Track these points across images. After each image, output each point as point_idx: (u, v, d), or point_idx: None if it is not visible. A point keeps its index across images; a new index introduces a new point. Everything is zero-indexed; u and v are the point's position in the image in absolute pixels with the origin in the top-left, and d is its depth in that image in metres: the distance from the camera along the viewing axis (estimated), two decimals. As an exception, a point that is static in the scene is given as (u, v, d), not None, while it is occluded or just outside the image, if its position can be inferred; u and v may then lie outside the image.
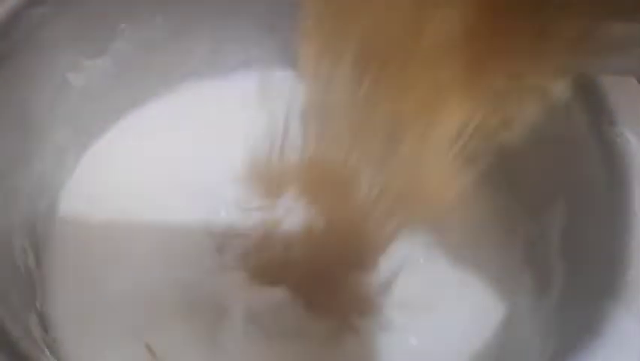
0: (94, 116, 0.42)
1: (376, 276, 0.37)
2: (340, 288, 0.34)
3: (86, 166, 0.41)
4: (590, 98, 0.33)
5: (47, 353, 0.32)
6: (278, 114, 0.44)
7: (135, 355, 0.35)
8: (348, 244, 0.33)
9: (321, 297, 0.33)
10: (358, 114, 0.25)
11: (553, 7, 0.18)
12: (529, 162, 0.38)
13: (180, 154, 0.42)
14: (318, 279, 0.32)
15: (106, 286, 0.37)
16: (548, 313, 0.34)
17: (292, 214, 0.37)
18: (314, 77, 0.25)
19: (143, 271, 0.37)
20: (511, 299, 0.37)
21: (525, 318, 0.36)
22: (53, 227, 0.39)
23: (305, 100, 0.30)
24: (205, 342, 0.35)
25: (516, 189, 0.40)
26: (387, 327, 0.35)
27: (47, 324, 0.35)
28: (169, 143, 0.42)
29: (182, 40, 0.43)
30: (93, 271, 0.37)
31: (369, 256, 0.35)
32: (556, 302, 0.33)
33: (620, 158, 0.31)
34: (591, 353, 0.26)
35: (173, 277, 0.37)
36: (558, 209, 0.35)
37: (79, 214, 0.39)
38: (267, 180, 0.37)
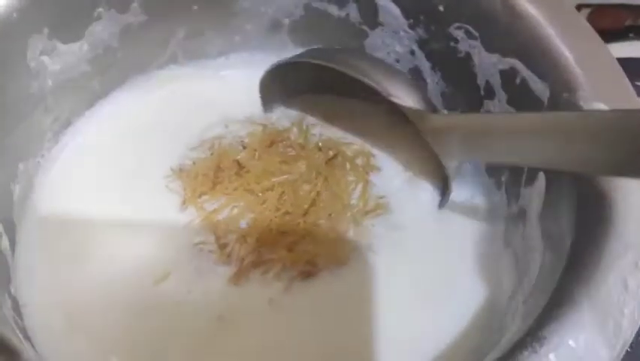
0: (69, 101, 0.41)
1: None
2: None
3: (60, 152, 0.41)
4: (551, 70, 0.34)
5: (19, 335, 0.31)
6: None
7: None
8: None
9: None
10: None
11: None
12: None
13: (157, 143, 0.41)
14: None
15: (80, 274, 0.36)
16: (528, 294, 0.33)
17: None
18: None
19: (116, 259, 0.37)
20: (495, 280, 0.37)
21: (507, 299, 0.36)
22: (28, 212, 0.38)
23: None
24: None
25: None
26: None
27: (20, 309, 0.34)
28: (145, 130, 0.42)
29: (160, 26, 0.42)
30: (68, 256, 0.37)
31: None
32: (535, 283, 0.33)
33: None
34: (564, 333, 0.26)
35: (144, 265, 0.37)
36: (538, 186, 0.35)
37: (54, 200, 0.39)
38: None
